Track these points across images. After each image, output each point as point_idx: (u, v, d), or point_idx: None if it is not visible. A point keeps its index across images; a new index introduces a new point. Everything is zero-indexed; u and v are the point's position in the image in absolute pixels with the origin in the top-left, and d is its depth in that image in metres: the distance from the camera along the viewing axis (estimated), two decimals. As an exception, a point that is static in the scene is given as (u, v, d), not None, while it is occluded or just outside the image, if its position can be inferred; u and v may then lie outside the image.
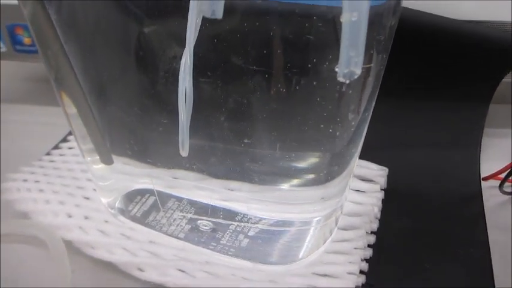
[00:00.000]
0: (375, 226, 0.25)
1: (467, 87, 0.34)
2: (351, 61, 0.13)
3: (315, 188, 0.21)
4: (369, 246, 0.24)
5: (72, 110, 0.22)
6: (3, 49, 0.38)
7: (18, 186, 0.29)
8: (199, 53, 0.17)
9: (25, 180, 0.29)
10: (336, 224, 0.24)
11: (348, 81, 0.14)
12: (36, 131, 0.36)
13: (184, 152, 0.17)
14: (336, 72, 0.14)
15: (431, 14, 0.31)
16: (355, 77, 0.14)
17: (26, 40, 0.37)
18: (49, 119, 0.35)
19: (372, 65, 0.17)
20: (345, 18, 0.12)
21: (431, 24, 0.31)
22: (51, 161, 0.31)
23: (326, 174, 0.20)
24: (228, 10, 0.16)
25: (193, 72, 0.16)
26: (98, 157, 0.24)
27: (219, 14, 0.12)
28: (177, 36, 0.18)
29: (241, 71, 0.18)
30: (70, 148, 0.32)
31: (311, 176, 0.21)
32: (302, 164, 0.20)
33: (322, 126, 0.18)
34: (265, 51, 0.17)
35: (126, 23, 0.19)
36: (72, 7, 0.19)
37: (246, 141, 0.20)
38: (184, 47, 0.15)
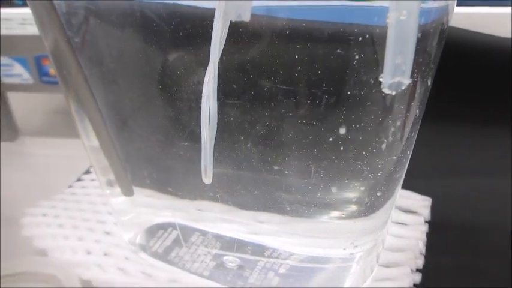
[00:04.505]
0: (420, 263, 0.23)
1: None
2: (397, 69, 0.12)
3: (354, 220, 0.19)
4: (414, 285, 0.22)
5: (92, 141, 0.21)
6: (31, 81, 0.38)
7: (38, 221, 0.27)
8: (226, 74, 0.15)
9: (45, 215, 0.28)
10: (377, 260, 0.22)
11: (394, 93, 0.12)
12: (61, 163, 0.35)
13: (207, 179, 0.16)
14: (377, 93, 0.12)
15: (477, 32, 0.29)
16: (403, 87, 0.12)
17: (52, 71, 0.37)
18: (75, 152, 0.34)
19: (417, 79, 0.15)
20: (391, 18, 0.11)
21: (479, 43, 0.29)
22: (73, 194, 0.30)
23: (367, 205, 0.18)
24: (258, 28, 0.14)
25: (219, 95, 0.15)
26: (118, 189, 0.22)
27: (246, 17, 0.11)
28: (200, 63, 0.17)
29: (271, 92, 0.16)
30: (92, 180, 0.32)
31: (350, 207, 0.19)
32: (339, 195, 0.18)
33: (363, 152, 0.17)
34: (298, 71, 0.15)
35: (149, 52, 0.18)
36: (95, 37, 0.18)
37: (276, 168, 0.18)
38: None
